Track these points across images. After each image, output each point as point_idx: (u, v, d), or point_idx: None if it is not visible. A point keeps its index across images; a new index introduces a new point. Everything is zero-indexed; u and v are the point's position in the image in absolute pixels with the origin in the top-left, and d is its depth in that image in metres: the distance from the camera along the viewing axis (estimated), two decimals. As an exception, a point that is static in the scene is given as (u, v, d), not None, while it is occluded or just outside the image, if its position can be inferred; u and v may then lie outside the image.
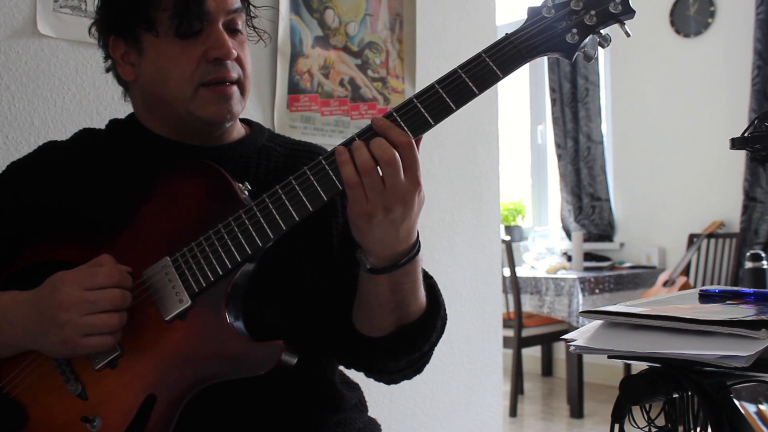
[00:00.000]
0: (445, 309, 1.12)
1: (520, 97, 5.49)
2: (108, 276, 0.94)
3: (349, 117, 2.13)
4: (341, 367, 1.23)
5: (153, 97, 1.10)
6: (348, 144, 0.95)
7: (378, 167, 0.91)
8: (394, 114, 0.95)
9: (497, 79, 0.95)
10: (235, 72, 1.07)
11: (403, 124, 0.94)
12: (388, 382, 1.17)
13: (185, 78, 1.04)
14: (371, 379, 1.19)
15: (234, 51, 1.05)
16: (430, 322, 1.08)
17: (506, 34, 0.96)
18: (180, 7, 1.02)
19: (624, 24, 0.96)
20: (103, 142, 1.17)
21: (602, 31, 0.96)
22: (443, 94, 0.94)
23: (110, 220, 1.06)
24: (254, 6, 1.16)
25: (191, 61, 1.04)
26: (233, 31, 1.08)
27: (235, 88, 1.08)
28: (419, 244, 1.01)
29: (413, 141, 0.93)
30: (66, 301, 0.92)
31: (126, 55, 1.09)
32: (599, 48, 0.97)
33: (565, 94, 5.01)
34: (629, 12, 0.94)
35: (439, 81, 0.95)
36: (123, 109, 1.12)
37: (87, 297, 0.93)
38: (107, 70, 1.15)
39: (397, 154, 0.91)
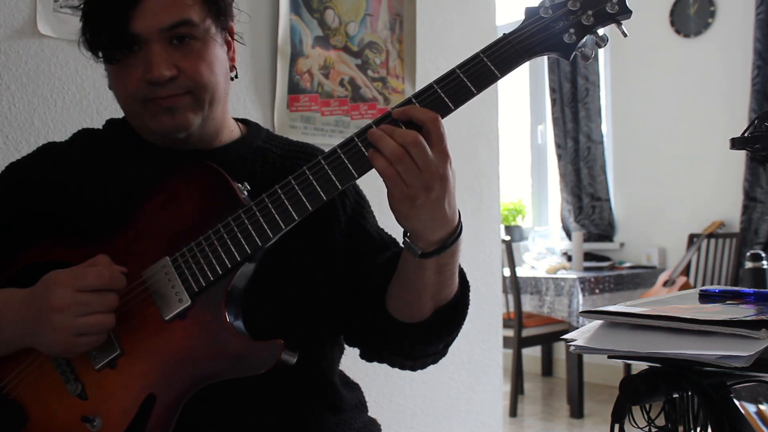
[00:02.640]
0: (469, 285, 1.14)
1: (520, 97, 5.49)
2: (98, 277, 0.94)
3: (349, 117, 2.13)
4: (343, 367, 1.23)
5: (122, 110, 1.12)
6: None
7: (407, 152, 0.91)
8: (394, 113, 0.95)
9: (495, 78, 0.95)
10: (179, 89, 1.03)
11: (403, 125, 0.94)
12: (420, 367, 1.17)
13: (130, 97, 1.05)
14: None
15: (168, 71, 1.01)
16: (464, 300, 1.10)
17: (504, 34, 0.96)
18: (99, 38, 1.03)
19: (621, 24, 0.96)
20: (102, 143, 1.17)
21: (599, 31, 0.96)
22: (441, 94, 0.95)
23: (109, 220, 1.06)
24: (223, 5, 1.09)
25: (132, 81, 1.04)
26: (181, 39, 1.04)
27: (182, 99, 1.04)
28: (461, 222, 1.01)
29: (438, 117, 0.93)
30: (58, 304, 0.93)
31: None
32: (597, 48, 0.98)
33: (565, 94, 5.01)
34: (626, 12, 0.95)
35: (438, 81, 0.96)
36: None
37: (78, 299, 0.93)
38: None
39: (419, 135, 0.91)
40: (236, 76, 1.16)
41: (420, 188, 0.92)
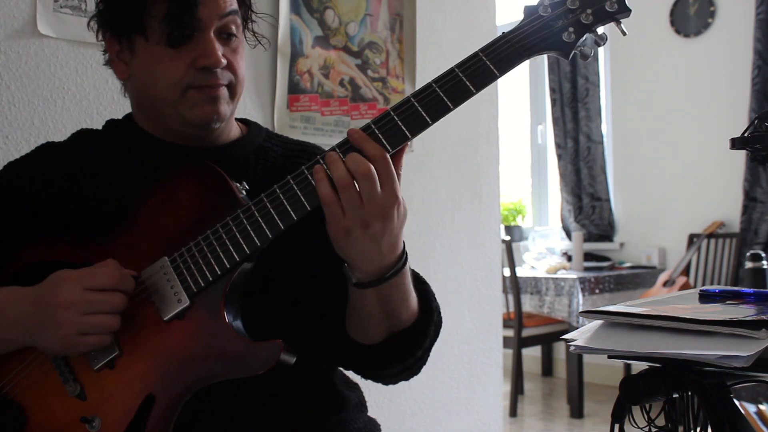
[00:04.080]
0: (439, 313, 1.12)
1: (520, 97, 5.49)
2: (109, 277, 0.95)
3: (349, 117, 2.13)
4: (341, 368, 1.23)
5: (143, 98, 1.11)
6: (349, 142, 0.95)
7: (355, 182, 0.91)
8: (392, 113, 0.95)
9: (494, 78, 0.95)
10: (224, 79, 1.06)
11: (402, 125, 0.94)
12: (386, 384, 1.18)
13: (174, 82, 1.05)
14: (372, 381, 1.18)
15: (223, 60, 1.04)
16: (423, 328, 1.08)
17: (503, 33, 0.96)
18: (171, 16, 1.02)
19: (620, 23, 0.96)
20: (101, 143, 1.17)
21: (598, 30, 0.96)
22: (440, 93, 0.94)
23: (108, 220, 1.06)
24: (254, 11, 1.15)
25: (180, 67, 1.04)
26: (227, 36, 1.07)
27: (224, 90, 1.07)
28: (406, 256, 1.00)
29: (387, 155, 0.92)
30: (66, 300, 0.93)
31: (120, 53, 1.09)
32: (596, 47, 0.97)
33: (565, 94, 5.01)
34: (625, 11, 0.94)
35: (437, 80, 0.95)
36: (122, 109, 1.12)
37: (87, 297, 0.93)
38: (105, 63, 1.15)
39: (373, 168, 0.91)
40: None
41: (357, 222, 0.91)
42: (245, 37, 1.15)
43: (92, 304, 0.93)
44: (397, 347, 1.07)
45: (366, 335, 1.07)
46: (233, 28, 1.08)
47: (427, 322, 1.08)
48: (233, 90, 1.09)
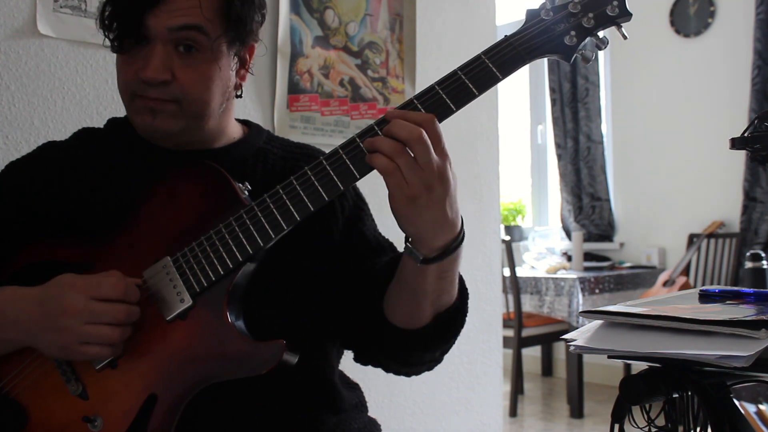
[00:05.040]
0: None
1: (520, 97, 5.49)
2: (114, 288, 0.95)
3: (349, 117, 2.13)
4: (343, 367, 1.23)
5: None
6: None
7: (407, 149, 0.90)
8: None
9: (497, 80, 0.95)
10: (165, 94, 1.03)
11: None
12: (408, 375, 1.17)
13: (123, 88, 1.07)
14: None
15: (162, 75, 1.01)
16: (463, 306, 1.09)
17: (505, 36, 0.96)
18: (111, 24, 1.03)
19: (621, 27, 0.97)
20: (102, 142, 1.17)
21: (600, 34, 0.97)
22: (443, 95, 0.95)
23: (110, 219, 1.07)
24: (248, 34, 1.08)
25: (129, 73, 1.05)
26: (186, 49, 1.03)
27: (168, 106, 1.04)
28: (464, 228, 1.00)
29: (434, 117, 0.92)
30: (70, 308, 0.93)
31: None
32: (597, 50, 0.98)
33: (565, 94, 5.01)
34: (626, 15, 0.95)
35: (439, 82, 0.95)
36: (122, 109, 1.12)
37: (91, 307, 0.93)
38: None
39: (424, 132, 0.90)
40: (240, 95, 1.16)
41: (421, 186, 0.90)
42: (251, 55, 1.13)
43: (95, 314, 0.93)
44: (445, 327, 1.07)
45: (415, 318, 1.06)
46: (195, 41, 1.03)
47: (465, 301, 1.09)
48: (183, 107, 1.04)
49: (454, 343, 1.13)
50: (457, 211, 0.96)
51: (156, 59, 1.01)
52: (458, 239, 0.98)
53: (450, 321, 1.07)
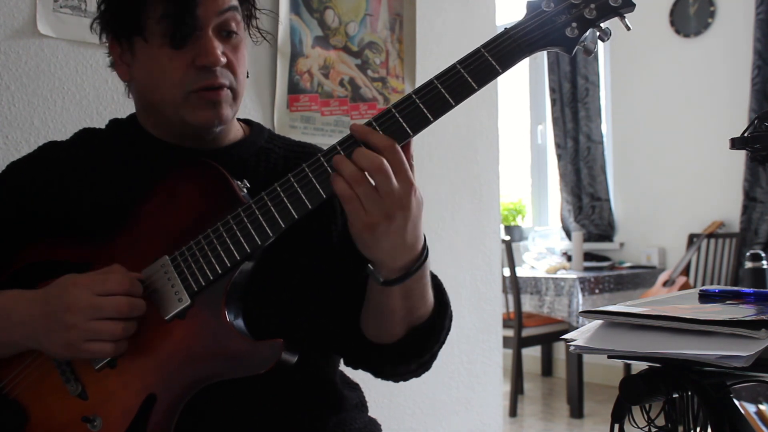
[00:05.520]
0: (450, 307, 1.12)
1: (520, 97, 5.49)
2: (118, 283, 0.94)
3: (349, 117, 2.13)
4: (343, 367, 1.23)
5: (146, 100, 1.11)
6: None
7: (368, 176, 0.90)
8: (393, 110, 0.94)
9: (497, 74, 0.94)
10: (224, 78, 1.05)
11: (403, 122, 0.93)
12: (396, 381, 1.17)
13: (174, 85, 1.04)
14: (370, 379, 1.18)
15: (222, 58, 1.03)
16: (439, 322, 1.08)
17: (505, 28, 0.95)
18: (169, 16, 1.01)
19: (624, 17, 0.95)
20: (103, 142, 1.17)
21: (602, 25, 0.95)
22: (442, 90, 0.93)
23: (110, 219, 1.06)
24: (256, 8, 1.13)
25: (179, 68, 1.03)
26: (227, 33, 1.06)
27: (225, 93, 1.05)
28: (427, 247, 1.00)
29: (395, 144, 0.91)
30: (74, 304, 0.93)
31: (122, 55, 1.09)
32: (600, 43, 0.96)
33: (565, 94, 5.01)
34: (629, 5, 0.93)
35: (438, 76, 0.94)
36: (122, 109, 1.12)
37: (95, 302, 0.93)
38: (110, 66, 1.15)
39: (384, 160, 0.90)
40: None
41: (380, 215, 0.90)
42: (249, 35, 1.14)
43: (100, 309, 0.93)
44: (417, 342, 1.06)
45: (386, 334, 1.06)
46: (233, 25, 1.06)
47: (443, 315, 1.08)
48: (234, 91, 1.07)
49: (433, 355, 1.12)
50: (418, 235, 0.96)
51: (214, 42, 1.03)
52: (420, 260, 0.98)
53: (423, 336, 1.06)
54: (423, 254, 0.98)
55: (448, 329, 1.12)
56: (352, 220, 0.92)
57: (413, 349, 1.07)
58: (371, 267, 0.99)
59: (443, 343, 1.12)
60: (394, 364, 1.10)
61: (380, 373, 1.15)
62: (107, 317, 0.93)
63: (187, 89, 1.03)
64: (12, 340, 1.00)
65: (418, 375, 1.15)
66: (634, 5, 0.93)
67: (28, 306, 0.98)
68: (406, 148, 0.94)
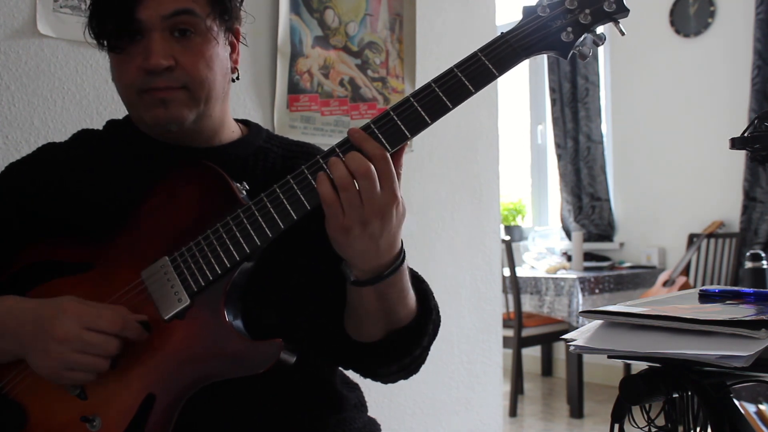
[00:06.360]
0: (438, 312, 1.12)
1: (520, 97, 5.49)
2: (111, 323, 0.94)
3: (349, 117, 2.13)
4: (340, 367, 1.23)
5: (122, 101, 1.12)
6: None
7: (355, 182, 0.91)
8: (392, 113, 0.95)
9: (493, 77, 0.95)
10: (174, 81, 1.03)
11: (401, 125, 0.94)
12: (385, 382, 1.18)
13: (127, 86, 1.06)
14: (370, 380, 1.19)
15: (165, 61, 1.01)
16: (421, 327, 1.08)
17: (501, 33, 0.96)
18: (105, 24, 1.03)
19: (618, 22, 0.96)
20: (102, 143, 1.17)
21: (597, 30, 0.96)
22: (439, 93, 0.94)
23: (109, 220, 1.07)
24: (231, 6, 1.09)
25: (130, 70, 1.04)
26: (182, 32, 1.04)
27: (177, 93, 1.04)
28: (403, 255, 1.00)
29: (387, 154, 0.93)
30: (61, 334, 0.93)
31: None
32: (595, 47, 0.98)
33: (565, 94, 5.01)
34: (623, 11, 0.95)
35: (436, 80, 0.95)
36: (122, 109, 1.12)
37: (83, 336, 0.93)
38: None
39: (372, 168, 0.91)
40: (237, 78, 1.16)
41: (356, 221, 0.92)
42: (237, 37, 1.13)
43: (86, 344, 0.93)
44: (395, 346, 1.07)
45: (364, 333, 1.08)
46: (193, 25, 1.04)
47: (425, 321, 1.09)
48: (192, 91, 1.05)
49: (415, 358, 1.11)
50: (393, 242, 0.97)
51: (156, 46, 1.02)
52: (392, 266, 0.99)
53: (403, 339, 1.07)
54: (396, 261, 0.99)
55: (434, 333, 1.12)
56: (328, 220, 0.94)
57: (393, 351, 1.08)
58: (344, 265, 1.01)
59: (428, 347, 1.12)
60: (374, 364, 1.11)
61: (365, 372, 1.16)
62: (91, 353, 0.93)
63: (139, 89, 1.04)
64: (6, 348, 1.00)
65: (404, 377, 1.15)
66: (628, 11, 0.95)
67: (22, 317, 0.98)
68: (397, 156, 0.95)
